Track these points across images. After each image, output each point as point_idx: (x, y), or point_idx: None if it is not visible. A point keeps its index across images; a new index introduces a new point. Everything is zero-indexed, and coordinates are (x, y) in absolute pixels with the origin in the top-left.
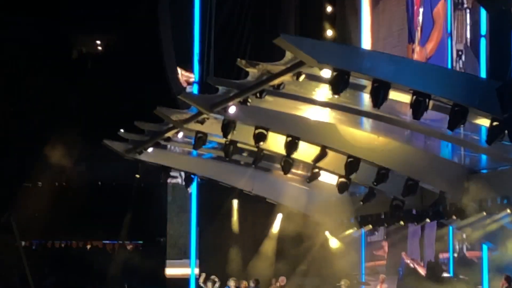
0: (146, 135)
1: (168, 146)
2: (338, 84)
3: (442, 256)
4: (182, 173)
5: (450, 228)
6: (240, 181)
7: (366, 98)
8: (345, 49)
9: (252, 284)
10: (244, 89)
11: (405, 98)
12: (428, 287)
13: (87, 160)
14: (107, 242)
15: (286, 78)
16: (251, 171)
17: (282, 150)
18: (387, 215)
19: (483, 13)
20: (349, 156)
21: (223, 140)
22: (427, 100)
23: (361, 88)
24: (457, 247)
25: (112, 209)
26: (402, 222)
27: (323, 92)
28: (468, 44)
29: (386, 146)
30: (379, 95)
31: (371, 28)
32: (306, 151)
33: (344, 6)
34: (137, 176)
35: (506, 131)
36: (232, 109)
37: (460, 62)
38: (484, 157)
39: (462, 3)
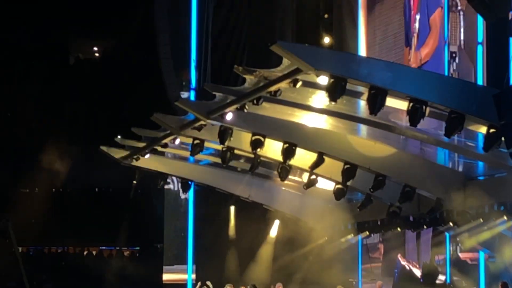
0: (143, 141)
1: (165, 152)
2: (335, 91)
3: (438, 257)
4: (174, 179)
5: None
6: (237, 188)
7: (363, 105)
8: (342, 56)
9: None
10: (241, 96)
11: (402, 105)
12: None
13: (84, 166)
14: (104, 248)
15: (283, 85)
16: (248, 177)
17: (279, 157)
18: (384, 222)
19: (480, 20)
20: (346, 163)
21: (220, 147)
22: (424, 107)
23: (358, 95)
24: (451, 248)
25: (109, 215)
26: (399, 229)
27: (320, 98)
28: (462, 46)
29: (383, 152)
30: (376, 102)
31: (366, 32)
32: (303, 158)
33: (341, 12)
34: (134, 182)
35: (503, 138)
36: (229, 116)
37: (454, 64)
38: (481, 164)
39: (456, 5)
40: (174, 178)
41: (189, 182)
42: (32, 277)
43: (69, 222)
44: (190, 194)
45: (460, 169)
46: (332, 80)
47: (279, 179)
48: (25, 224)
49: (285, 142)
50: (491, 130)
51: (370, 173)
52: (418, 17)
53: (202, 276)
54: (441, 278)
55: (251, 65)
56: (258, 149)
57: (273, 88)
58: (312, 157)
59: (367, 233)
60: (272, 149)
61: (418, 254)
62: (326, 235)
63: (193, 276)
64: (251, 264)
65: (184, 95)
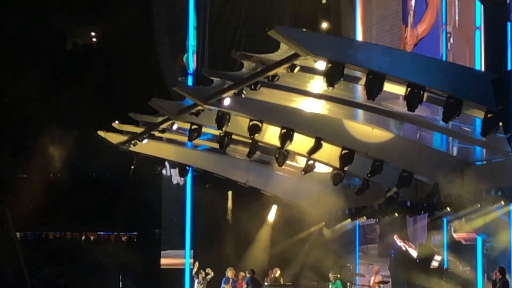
0: (141, 126)
1: (163, 137)
2: (333, 76)
3: (434, 238)
4: (167, 163)
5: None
6: (235, 173)
7: (360, 90)
8: (340, 41)
9: (248, 275)
10: (238, 81)
11: (400, 90)
12: (418, 277)
13: (81, 152)
14: (102, 233)
15: (281, 70)
16: (246, 163)
17: (276, 142)
18: (381, 207)
19: (478, 5)
20: (343, 148)
21: (217, 132)
22: (421, 92)
23: (356, 80)
24: (446, 228)
25: (106, 200)
26: (396, 214)
27: (317, 84)
28: (457, 26)
29: (381, 138)
30: (373, 87)
31: (362, 14)
32: (301, 143)
33: None
34: (132, 167)
35: (500, 123)
36: (226, 101)
37: (449, 44)
38: (478, 149)
39: None
40: (167, 163)
41: (187, 167)
42: (30, 262)
43: (66, 207)
44: (188, 179)
45: (458, 154)
46: (329, 65)
47: (276, 164)
48: (23, 210)
49: (282, 127)
50: (489, 115)
51: (368, 159)
52: None
53: (200, 261)
54: (437, 258)
55: (249, 50)
56: (256, 134)
57: (271, 73)
58: (309, 142)
59: (365, 218)
60: (270, 134)
61: (414, 233)
62: (323, 220)
63: (191, 261)
64: (248, 249)
65: (182, 80)
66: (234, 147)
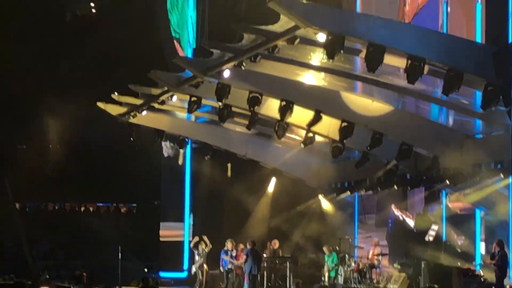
0: (140, 98)
1: (162, 109)
2: (333, 48)
3: (431, 207)
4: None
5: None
6: (234, 145)
7: (361, 62)
8: (340, 13)
9: (248, 246)
10: (238, 53)
11: (400, 62)
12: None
13: (81, 123)
14: (101, 204)
15: (281, 42)
16: (245, 135)
17: (276, 114)
18: (381, 180)
19: None
20: (343, 121)
21: (217, 104)
22: (422, 64)
23: (356, 52)
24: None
25: (105, 172)
26: (395, 187)
27: (318, 56)
28: None
29: (381, 111)
30: (374, 59)
31: None
32: (300, 116)
33: None
34: (132, 139)
35: (501, 96)
36: (226, 73)
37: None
38: (478, 122)
39: None
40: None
41: (186, 139)
42: (29, 233)
43: (66, 178)
44: (188, 151)
45: (457, 127)
46: (330, 37)
47: (276, 137)
48: (22, 181)
49: (282, 100)
50: (489, 88)
51: (368, 131)
52: None
53: (199, 233)
54: (434, 228)
55: (249, 22)
56: (256, 107)
57: (270, 45)
58: (309, 115)
59: (364, 191)
60: (270, 106)
61: (412, 206)
62: (322, 193)
63: (190, 232)
64: (248, 221)
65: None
66: (233, 120)
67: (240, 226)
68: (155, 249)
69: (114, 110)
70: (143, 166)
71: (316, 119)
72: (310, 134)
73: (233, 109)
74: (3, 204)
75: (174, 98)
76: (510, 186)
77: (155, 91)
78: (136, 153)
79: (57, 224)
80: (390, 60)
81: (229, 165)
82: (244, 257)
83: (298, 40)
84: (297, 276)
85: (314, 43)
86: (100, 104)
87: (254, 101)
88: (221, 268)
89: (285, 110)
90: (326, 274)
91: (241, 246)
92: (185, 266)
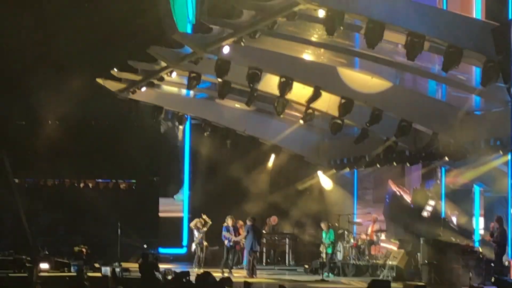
0: (139, 74)
1: (161, 85)
2: (333, 24)
3: (428, 183)
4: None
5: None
6: (233, 122)
7: (361, 39)
8: None
9: (248, 222)
10: (238, 29)
11: (400, 39)
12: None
13: (80, 99)
14: (100, 180)
15: (280, 18)
16: (244, 111)
17: (276, 91)
18: (380, 156)
19: None
20: (342, 97)
21: (216, 80)
22: (421, 41)
23: (356, 28)
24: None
25: (105, 148)
26: (395, 163)
27: (317, 32)
28: None
29: (380, 87)
30: (374, 36)
31: None
32: (300, 92)
33: None
34: (131, 115)
35: (500, 73)
36: (226, 49)
37: None
38: (477, 98)
39: None
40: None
41: (185, 116)
42: (28, 209)
43: (65, 154)
44: (187, 127)
45: (457, 103)
46: (329, 13)
47: (275, 113)
48: (21, 157)
49: (282, 76)
50: (489, 65)
51: (367, 108)
52: None
53: (198, 210)
54: (431, 203)
55: None
56: (255, 83)
57: (270, 21)
58: (309, 91)
59: (363, 167)
60: (269, 83)
61: (409, 182)
62: (321, 169)
63: (189, 208)
64: (247, 197)
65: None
66: (233, 96)
67: (239, 203)
68: (154, 225)
69: (113, 86)
70: (142, 142)
71: (315, 96)
72: (310, 111)
73: (233, 85)
74: (2, 180)
75: (174, 74)
76: (509, 163)
77: (155, 67)
78: (135, 129)
79: (56, 200)
80: (389, 36)
81: (228, 141)
82: (245, 233)
83: (297, 16)
84: (296, 252)
85: (313, 19)
86: (99, 80)
87: (254, 77)
88: (226, 243)
89: (284, 86)
90: (324, 251)
91: (240, 222)
92: (184, 242)
